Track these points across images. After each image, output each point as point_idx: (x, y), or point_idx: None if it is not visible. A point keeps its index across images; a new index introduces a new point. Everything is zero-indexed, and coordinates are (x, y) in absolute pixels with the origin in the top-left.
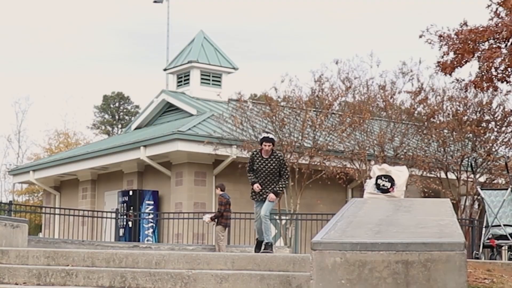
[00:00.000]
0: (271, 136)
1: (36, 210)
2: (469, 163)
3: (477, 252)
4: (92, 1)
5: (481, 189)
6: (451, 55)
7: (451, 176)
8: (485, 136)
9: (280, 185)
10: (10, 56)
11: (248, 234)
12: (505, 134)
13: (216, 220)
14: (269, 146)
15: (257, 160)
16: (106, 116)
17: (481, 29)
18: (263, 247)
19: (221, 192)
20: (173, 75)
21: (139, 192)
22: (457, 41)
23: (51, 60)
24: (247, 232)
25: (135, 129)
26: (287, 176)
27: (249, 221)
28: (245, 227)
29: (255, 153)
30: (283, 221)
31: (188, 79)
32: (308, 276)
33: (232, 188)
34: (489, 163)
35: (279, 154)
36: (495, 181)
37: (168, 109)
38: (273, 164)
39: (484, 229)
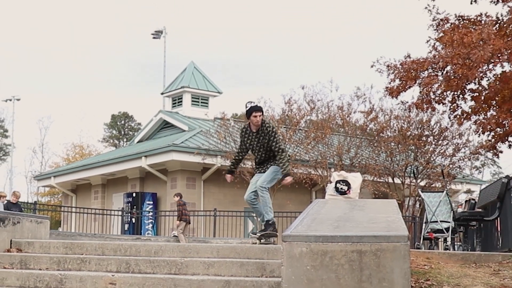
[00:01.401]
0: (259, 104)
1: (56, 209)
2: (412, 170)
3: (418, 243)
4: (103, 34)
5: (422, 192)
6: (397, 81)
7: (397, 181)
8: (425, 148)
9: (281, 163)
10: (34, 80)
11: (230, 229)
12: (441, 146)
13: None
14: (259, 116)
15: (247, 136)
16: (114, 131)
17: (422, 60)
18: (262, 231)
19: (178, 198)
20: (168, 98)
21: (140, 194)
22: (402, 70)
23: (68, 84)
24: (230, 227)
25: (138, 142)
26: (279, 149)
27: (231, 218)
28: (227, 223)
29: (244, 129)
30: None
31: (181, 101)
32: (279, 263)
33: (217, 191)
34: (428, 170)
35: (267, 125)
36: (433, 185)
37: (164, 125)
38: (265, 138)
39: (424, 224)
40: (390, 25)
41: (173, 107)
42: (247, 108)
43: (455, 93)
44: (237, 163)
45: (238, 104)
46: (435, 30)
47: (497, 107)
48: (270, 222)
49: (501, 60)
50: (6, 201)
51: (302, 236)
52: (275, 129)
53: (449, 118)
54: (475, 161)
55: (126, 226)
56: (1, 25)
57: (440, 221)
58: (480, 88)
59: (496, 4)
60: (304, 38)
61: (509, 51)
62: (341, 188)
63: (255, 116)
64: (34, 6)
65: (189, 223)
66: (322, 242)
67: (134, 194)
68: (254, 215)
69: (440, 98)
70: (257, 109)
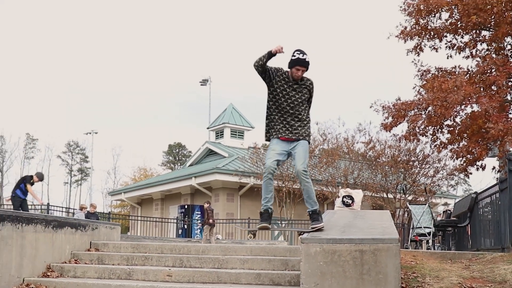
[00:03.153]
0: (308, 59)
1: (125, 218)
2: (401, 188)
3: (406, 244)
4: (162, 81)
5: (409, 204)
6: (390, 119)
7: (390, 195)
8: (411, 170)
9: (308, 134)
10: (109, 117)
11: (261, 233)
12: (424, 169)
13: (205, 223)
14: (302, 72)
15: (285, 81)
16: (170, 157)
17: (409, 102)
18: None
19: (208, 205)
20: (213, 131)
21: (191, 206)
22: (394, 110)
23: (135, 120)
24: (260, 232)
25: (189, 166)
26: (308, 114)
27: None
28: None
29: (281, 71)
30: (283, 225)
31: (222, 134)
32: (299, 260)
33: (250, 204)
34: (414, 187)
35: (309, 80)
36: (418, 199)
37: (209, 153)
38: (305, 94)
39: (411, 229)
40: (385, 73)
41: (216, 138)
42: (293, 57)
43: (435, 127)
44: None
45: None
46: (419, 78)
47: (467, 138)
48: (316, 211)
49: (471, 102)
50: (86, 212)
51: (316, 239)
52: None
53: (430, 147)
54: (450, 180)
55: (180, 231)
56: (80, 73)
57: (424, 227)
58: (454, 124)
59: (467, 59)
60: (320, 83)
61: (477, 95)
62: (347, 202)
63: (298, 70)
64: (106, 57)
65: (214, 226)
66: (332, 243)
67: (186, 206)
68: (279, 222)
69: (424, 132)
70: (303, 63)
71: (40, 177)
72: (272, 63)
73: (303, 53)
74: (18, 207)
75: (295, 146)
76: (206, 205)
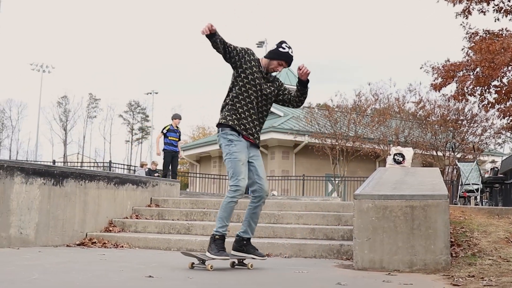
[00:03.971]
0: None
1: (184, 175)
2: (451, 146)
3: (455, 200)
4: None
5: (458, 162)
6: (440, 79)
7: (440, 153)
8: (460, 129)
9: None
10: (169, 78)
11: (315, 189)
12: (473, 128)
13: None
14: (281, 69)
15: (254, 70)
16: None
17: (458, 63)
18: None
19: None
20: None
21: None
22: (443, 71)
23: (195, 82)
24: (314, 188)
25: None
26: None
27: (315, 181)
28: (313, 185)
29: (254, 56)
30: (337, 181)
31: None
32: (351, 215)
33: (305, 161)
34: (462, 146)
35: (279, 80)
36: (466, 157)
37: None
38: (277, 88)
39: (459, 186)
40: (435, 35)
41: None
42: (282, 50)
43: (483, 88)
44: (220, 41)
45: (321, 96)
46: (468, 41)
47: None
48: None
49: None
50: (147, 169)
51: (369, 195)
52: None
53: (478, 106)
54: (497, 139)
55: None
56: (141, 36)
57: (472, 183)
58: (501, 84)
59: None
60: (372, 46)
61: None
62: (398, 159)
63: (280, 65)
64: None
65: None
66: (383, 199)
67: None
68: (332, 179)
69: (472, 92)
70: (289, 60)
71: (176, 116)
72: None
73: (291, 48)
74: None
75: (255, 155)
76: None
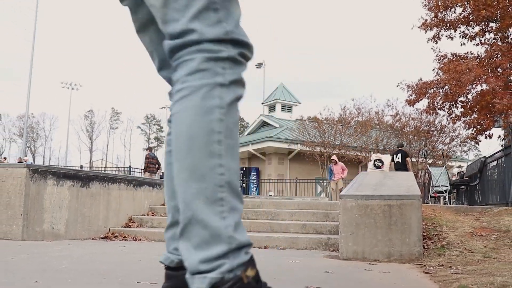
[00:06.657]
0: None
1: None
2: (423, 153)
3: (427, 200)
4: None
5: (429, 167)
6: (413, 96)
7: (414, 159)
8: (431, 139)
9: None
10: None
11: (306, 191)
12: (442, 137)
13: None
14: None
15: None
16: None
17: (429, 82)
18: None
19: (147, 152)
20: (266, 106)
21: (248, 168)
22: (416, 88)
23: None
24: (306, 190)
25: (246, 134)
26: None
27: (307, 183)
28: (304, 187)
29: None
30: (325, 184)
31: (274, 108)
32: (338, 213)
33: (297, 166)
34: (433, 153)
35: None
36: (436, 162)
37: (263, 124)
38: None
39: (431, 188)
40: (411, 57)
41: (269, 112)
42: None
43: (451, 103)
44: None
45: (311, 110)
46: (438, 62)
47: (477, 112)
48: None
49: (480, 82)
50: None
51: (352, 196)
52: None
53: (447, 119)
54: (463, 147)
55: (239, 189)
56: None
57: (441, 185)
58: (467, 100)
59: (477, 46)
60: (355, 66)
61: (485, 76)
62: (378, 165)
63: None
64: None
65: (155, 173)
66: (365, 199)
67: (244, 168)
68: (321, 181)
69: (441, 106)
70: None
71: None
72: None
73: None
74: None
75: None
76: (146, 153)
